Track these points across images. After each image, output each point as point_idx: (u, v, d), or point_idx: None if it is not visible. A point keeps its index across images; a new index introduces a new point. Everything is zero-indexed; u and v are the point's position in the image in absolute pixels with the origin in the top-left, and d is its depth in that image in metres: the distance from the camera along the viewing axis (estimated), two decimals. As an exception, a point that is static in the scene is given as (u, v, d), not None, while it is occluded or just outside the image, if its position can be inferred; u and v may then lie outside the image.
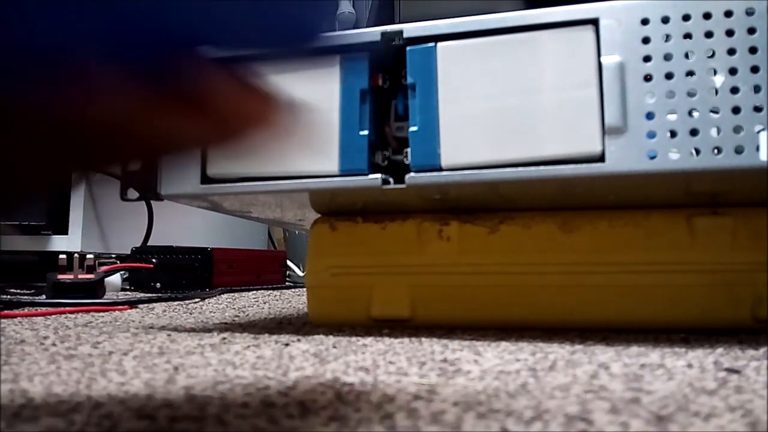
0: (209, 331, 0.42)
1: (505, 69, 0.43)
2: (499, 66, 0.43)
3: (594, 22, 0.40)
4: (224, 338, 0.38)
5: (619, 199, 0.41)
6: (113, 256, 0.96)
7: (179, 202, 0.45)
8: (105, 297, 0.71)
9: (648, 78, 0.35)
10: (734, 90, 0.35)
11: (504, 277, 0.43)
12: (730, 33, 0.36)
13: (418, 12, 1.07)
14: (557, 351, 0.32)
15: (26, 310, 0.58)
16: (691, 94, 0.34)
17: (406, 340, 0.36)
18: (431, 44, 0.45)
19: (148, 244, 0.98)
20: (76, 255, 0.72)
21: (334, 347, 0.33)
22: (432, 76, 0.44)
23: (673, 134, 0.33)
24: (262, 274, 1.04)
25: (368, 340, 0.36)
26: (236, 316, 0.54)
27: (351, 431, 0.18)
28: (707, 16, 0.37)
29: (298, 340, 0.36)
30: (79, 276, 0.70)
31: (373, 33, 0.47)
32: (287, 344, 0.34)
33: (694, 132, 0.33)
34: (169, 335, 0.40)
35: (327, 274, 0.46)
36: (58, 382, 0.25)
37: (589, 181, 0.35)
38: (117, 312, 0.59)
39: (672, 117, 0.34)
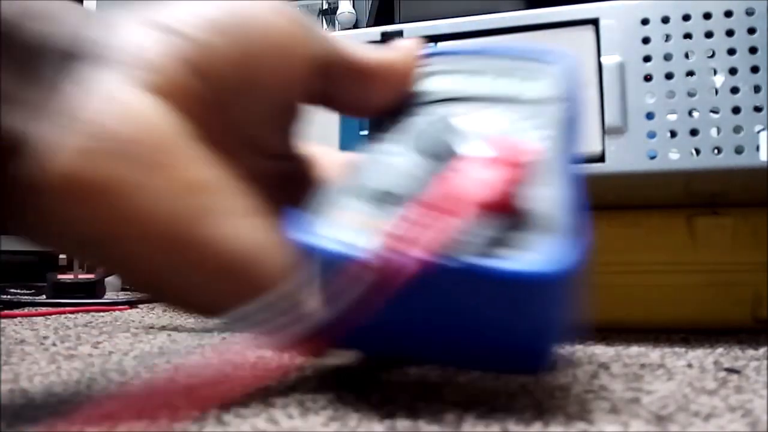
0: (209, 330, 0.42)
1: (505, 69, 0.43)
2: (499, 66, 0.43)
3: (594, 22, 0.40)
4: (224, 338, 0.38)
5: (619, 199, 0.41)
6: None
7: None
8: (105, 297, 0.71)
9: (648, 78, 0.35)
10: (734, 90, 0.35)
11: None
12: (730, 33, 0.36)
13: (417, 12, 1.07)
14: (557, 351, 0.32)
15: (26, 310, 0.58)
16: (691, 94, 0.34)
17: (406, 340, 0.36)
18: (431, 44, 0.45)
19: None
20: (76, 255, 0.72)
21: (334, 347, 0.33)
22: (432, 76, 0.44)
23: (673, 134, 0.33)
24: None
25: (368, 340, 0.36)
26: (236, 316, 0.54)
27: (351, 431, 0.18)
28: (707, 16, 0.37)
29: (298, 340, 0.36)
30: (79, 276, 0.70)
31: (373, 33, 0.47)
32: (287, 344, 0.34)
33: (694, 132, 0.33)
34: (169, 335, 0.40)
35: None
36: (59, 382, 0.25)
37: (589, 181, 0.35)
38: (117, 312, 0.59)
39: (672, 117, 0.34)
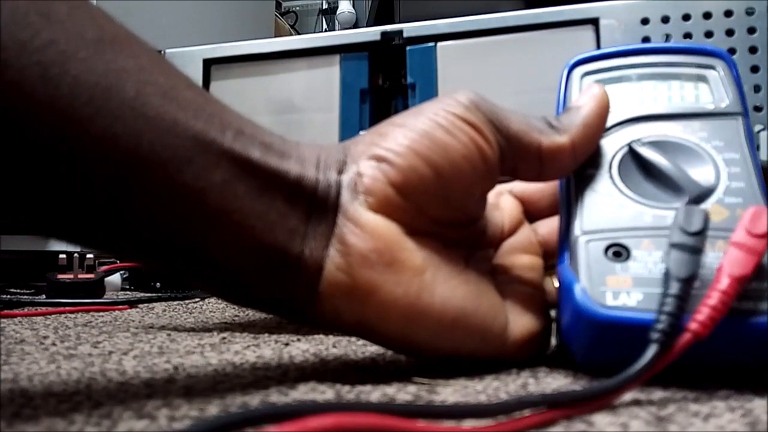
0: (209, 330, 0.42)
1: (504, 69, 0.43)
2: (498, 66, 0.43)
3: (594, 22, 0.40)
4: (224, 338, 0.38)
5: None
6: (113, 255, 0.96)
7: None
8: (105, 296, 0.71)
9: (648, 78, 0.35)
10: (734, 90, 0.35)
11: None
12: (730, 33, 0.36)
13: (417, 12, 1.07)
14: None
15: (26, 310, 0.58)
16: (691, 94, 0.34)
17: (406, 340, 0.36)
18: (431, 44, 0.45)
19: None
20: (75, 254, 0.72)
21: (334, 347, 0.33)
22: (432, 75, 0.44)
23: (674, 134, 0.33)
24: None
25: (368, 340, 0.36)
26: (236, 315, 0.54)
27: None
28: (707, 16, 0.37)
29: (298, 340, 0.36)
30: (79, 276, 0.70)
31: (373, 33, 0.47)
32: (287, 344, 0.34)
33: (694, 132, 0.33)
34: (169, 335, 0.40)
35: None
36: (58, 382, 0.25)
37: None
38: (117, 312, 0.59)
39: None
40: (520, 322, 0.26)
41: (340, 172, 0.25)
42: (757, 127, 0.35)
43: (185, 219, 0.22)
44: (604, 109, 0.27)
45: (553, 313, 0.28)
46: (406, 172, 0.24)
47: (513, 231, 0.29)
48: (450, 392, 0.23)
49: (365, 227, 0.24)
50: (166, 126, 0.22)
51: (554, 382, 0.24)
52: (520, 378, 0.25)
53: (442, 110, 0.25)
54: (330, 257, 0.24)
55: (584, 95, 0.28)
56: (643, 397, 0.22)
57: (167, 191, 0.22)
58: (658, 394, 0.22)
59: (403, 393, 0.22)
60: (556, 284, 0.28)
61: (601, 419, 0.19)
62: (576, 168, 0.27)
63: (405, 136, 0.25)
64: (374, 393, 0.22)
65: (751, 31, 0.36)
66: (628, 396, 0.22)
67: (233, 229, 0.23)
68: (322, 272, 0.24)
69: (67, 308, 0.59)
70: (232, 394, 0.22)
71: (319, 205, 0.24)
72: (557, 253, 0.27)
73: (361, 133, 0.42)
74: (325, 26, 2.68)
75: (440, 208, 0.25)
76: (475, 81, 0.44)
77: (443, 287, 0.25)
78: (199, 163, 0.22)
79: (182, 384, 0.24)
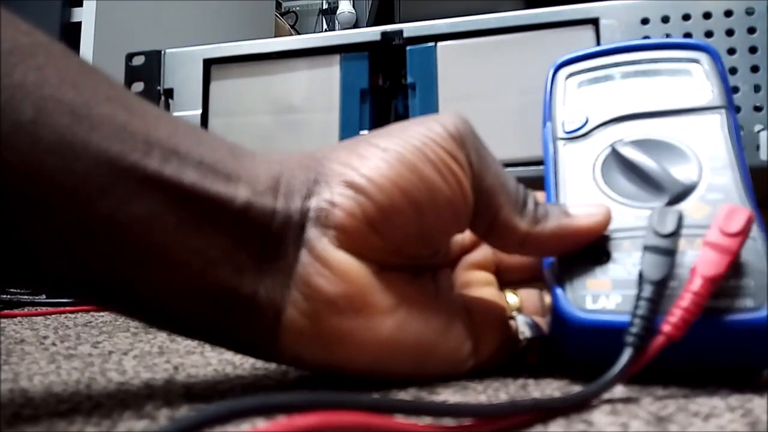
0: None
1: (504, 69, 0.43)
2: (498, 66, 0.43)
3: (594, 22, 0.40)
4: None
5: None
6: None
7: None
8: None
9: (648, 78, 0.35)
10: (734, 89, 0.35)
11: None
12: (730, 33, 0.36)
13: (417, 12, 1.07)
14: (557, 351, 0.32)
15: (26, 310, 0.58)
16: (691, 94, 0.34)
17: (406, 339, 0.36)
18: (431, 44, 0.45)
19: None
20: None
21: (334, 347, 0.33)
22: (432, 75, 0.44)
23: (673, 134, 0.33)
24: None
25: (368, 339, 0.36)
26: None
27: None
28: (707, 16, 0.37)
29: (298, 340, 0.36)
30: (79, 276, 0.70)
31: (373, 33, 0.47)
32: (287, 344, 0.34)
33: (694, 132, 0.33)
34: (169, 335, 0.40)
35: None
36: (58, 382, 0.25)
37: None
38: (117, 312, 0.58)
39: (672, 117, 0.34)
40: (484, 340, 0.25)
41: (307, 196, 0.22)
42: (757, 127, 0.35)
43: (109, 257, 0.20)
44: (590, 233, 0.25)
45: (513, 323, 0.27)
46: (385, 209, 0.22)
47: (471, 248, 0.29)
48: (451, 392, 0.22)
49: (334, 268, 0.21)
50: (73, 150, 0.19)
51: (554, 382, 0.24)
52: (520, 378, 0.25)
53: (430, 140, 0.23)
54: (292, 300, 0.21)
55: (591, 207, 0.25)
56: (644, 397, 0.21)
57: (80, 226, 0.19)
58: (658, 393, 0.22)
59: (403, 393, 0.22)
60: (511, 299, 0.28)
61: (601, 419, 0.19)
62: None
63: (388, 164, 0.22)
64: (374, 393, 0.22)
65: (751, 31, 0.36)
66: (628, 395, 0.22)
67: (168, 268, 0.20)
68: (282, 315, 0.21)
69: (67, 308, 0.59)
70: (232, 394, 0.22)
71: (275, 239, 0.21)
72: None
73: (362, 133, 0.42)
74: (325, 26, 2.68)
75: (414, 247, 0.24)
76: (475, 81, 0.44)
77: (416, 323, 0.23)
78: (116, 192, 0.19)
79: (182, 384, 0.24)
